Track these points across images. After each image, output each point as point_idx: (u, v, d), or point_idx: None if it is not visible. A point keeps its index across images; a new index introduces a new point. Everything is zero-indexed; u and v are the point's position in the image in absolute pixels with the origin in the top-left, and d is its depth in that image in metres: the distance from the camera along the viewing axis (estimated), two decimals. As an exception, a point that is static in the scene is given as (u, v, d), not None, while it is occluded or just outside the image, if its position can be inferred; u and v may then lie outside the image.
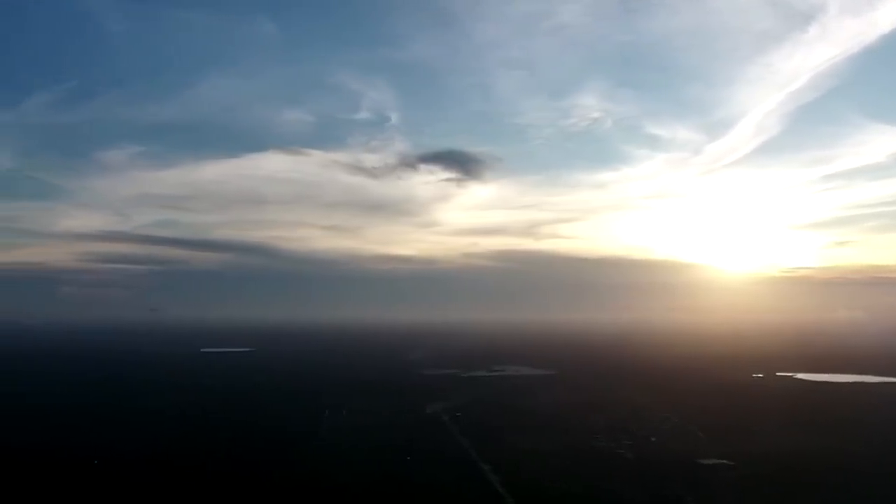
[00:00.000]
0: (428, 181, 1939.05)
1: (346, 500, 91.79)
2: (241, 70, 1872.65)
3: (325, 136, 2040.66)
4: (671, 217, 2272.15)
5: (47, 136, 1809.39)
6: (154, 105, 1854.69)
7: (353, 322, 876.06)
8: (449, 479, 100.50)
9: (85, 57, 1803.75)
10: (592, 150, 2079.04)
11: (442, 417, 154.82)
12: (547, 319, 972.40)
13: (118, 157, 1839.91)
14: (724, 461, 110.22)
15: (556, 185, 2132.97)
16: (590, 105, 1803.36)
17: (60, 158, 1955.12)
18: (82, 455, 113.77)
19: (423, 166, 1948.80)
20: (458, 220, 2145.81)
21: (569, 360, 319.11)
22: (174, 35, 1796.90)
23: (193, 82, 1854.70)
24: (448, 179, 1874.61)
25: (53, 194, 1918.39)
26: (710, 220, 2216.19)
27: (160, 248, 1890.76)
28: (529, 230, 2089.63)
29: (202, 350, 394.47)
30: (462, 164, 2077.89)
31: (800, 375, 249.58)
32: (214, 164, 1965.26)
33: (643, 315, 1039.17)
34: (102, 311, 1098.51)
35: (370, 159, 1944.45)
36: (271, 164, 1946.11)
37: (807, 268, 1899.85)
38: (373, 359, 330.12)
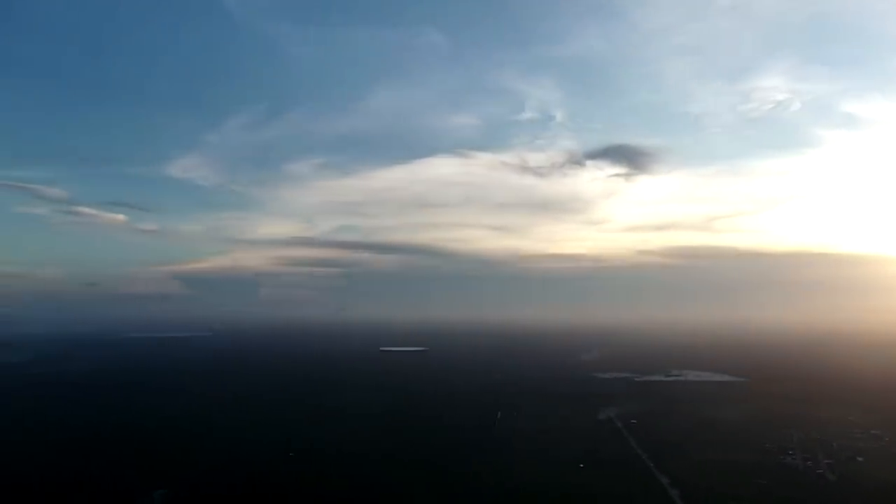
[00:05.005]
0: (595, 177, 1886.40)
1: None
2: (409, 80, 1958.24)
3: (491, 138, 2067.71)
4: (872, 205, 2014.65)
5: (244, 153, 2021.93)
6: (333, 119, 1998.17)
7: (522, 322, 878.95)
8: (624, 489, 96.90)
9: (274, 80, 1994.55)
10: (776, 135, 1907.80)
11: (616, 424, 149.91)
12: (729, 319, 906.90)
13: (304, 169, 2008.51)
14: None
15: (735, 175, 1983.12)
16: (773, 87, 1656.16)
17: (255, 172, 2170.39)
18: (279, 448, 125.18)
19: (589, 163, 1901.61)
20: (629, 217, 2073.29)
21: (758, 364, 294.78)
22: (349, 52, 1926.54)
23: (367, 95, 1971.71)
24: (616, 175, 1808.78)
25: (250, 205, 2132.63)
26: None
27: (342, 251, 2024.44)
28: (706, 224, 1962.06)
29: (381, 349, 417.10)
30: (630, 158, 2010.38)
31: None
32: (388, 170, 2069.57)
33: (840, 316, 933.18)
34: (296, 310, 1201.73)
35: (536, 158, 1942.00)
36: (440, 168, 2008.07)
37: None
38: (543, 360, 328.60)
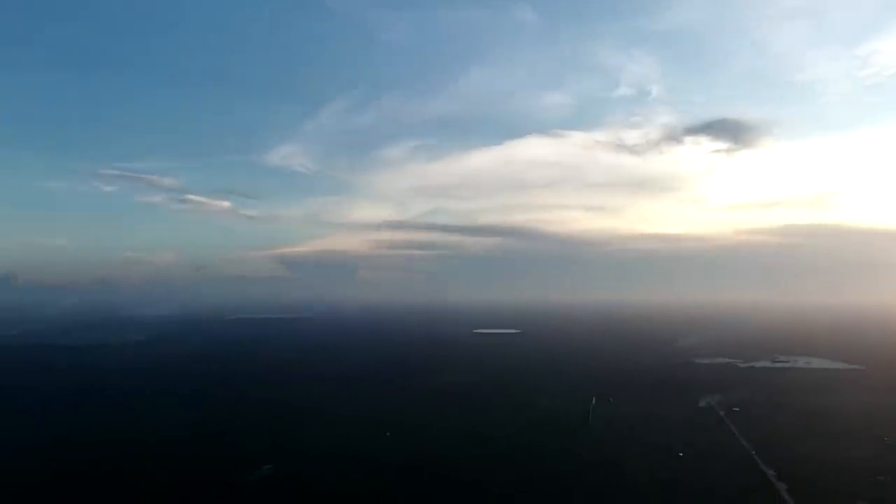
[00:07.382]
0: (694, 154, 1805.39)
1: (614, 498, 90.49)
2: (501, 59, 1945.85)
3: (583, 116, 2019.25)
4: None
5: (340, 140, 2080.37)
6: (426, 102, 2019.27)
7: (618, 303, 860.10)
8: (726, 481, 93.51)
9: (367, 66, 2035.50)
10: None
11: (717, 412, 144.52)
12: (842, 302, 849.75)
13: (397, 153, 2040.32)
14: None
15: (850, 147, 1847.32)
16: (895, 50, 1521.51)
17: (350, 158, 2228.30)
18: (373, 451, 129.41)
19: (688, 138, 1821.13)
20: (730, 194, 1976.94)
21: (876, 351, 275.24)
22: (441, 34, 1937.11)
23: (459, 77, 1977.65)
24: (717, 150, 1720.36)
25: (346, 189, 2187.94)
26: None
27: (435, 234, 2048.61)
28: (817, 201, 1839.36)
29: (475, 331, 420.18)
30: (733, 132, 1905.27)
31: None
32: (479, 152, 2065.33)
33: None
34: (391, 293, 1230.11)
35: (631, 136, 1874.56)
36: (532, 149, 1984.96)
37: None
38: (640, 343, 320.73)
